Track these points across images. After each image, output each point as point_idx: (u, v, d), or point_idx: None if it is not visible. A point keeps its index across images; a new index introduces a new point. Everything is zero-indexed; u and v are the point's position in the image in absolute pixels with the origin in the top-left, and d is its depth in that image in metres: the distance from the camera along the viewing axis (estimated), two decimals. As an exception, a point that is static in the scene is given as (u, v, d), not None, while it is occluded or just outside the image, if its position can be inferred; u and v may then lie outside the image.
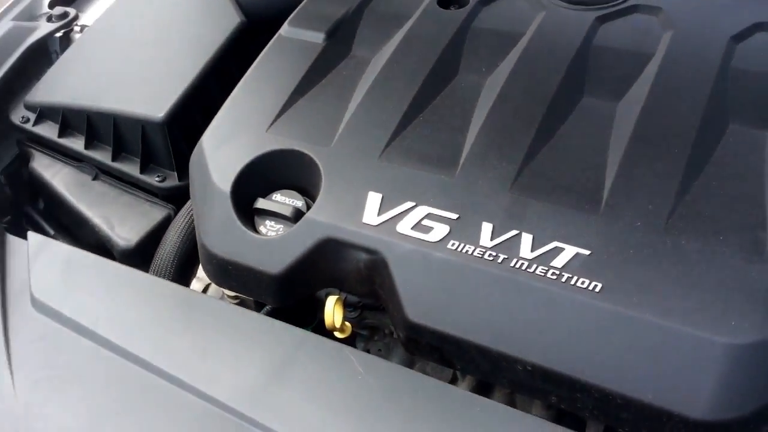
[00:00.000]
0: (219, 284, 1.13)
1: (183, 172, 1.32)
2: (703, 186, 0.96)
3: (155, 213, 1.33)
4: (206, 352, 0.94)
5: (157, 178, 1.34)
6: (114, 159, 1.36)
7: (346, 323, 1.08)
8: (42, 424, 0.89)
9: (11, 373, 0.95)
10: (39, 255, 1.09)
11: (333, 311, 1.04)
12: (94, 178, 1.39)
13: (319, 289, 1.09)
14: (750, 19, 1.16)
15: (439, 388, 0.90)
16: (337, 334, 1.07)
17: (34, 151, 1.44)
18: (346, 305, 1.10)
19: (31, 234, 1.13)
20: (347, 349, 0.94)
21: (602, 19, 1.21)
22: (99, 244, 1.34)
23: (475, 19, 1.25)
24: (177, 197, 1.34)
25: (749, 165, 0.97)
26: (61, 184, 1.39)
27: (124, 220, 1.33)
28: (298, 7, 1.36)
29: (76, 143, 1.38)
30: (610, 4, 1.23)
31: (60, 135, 1.40)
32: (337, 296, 1.06)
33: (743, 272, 0.88)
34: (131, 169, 1.35)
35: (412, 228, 1.00)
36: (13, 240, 1.14)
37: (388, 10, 1.33)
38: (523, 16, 1.24)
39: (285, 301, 1.08)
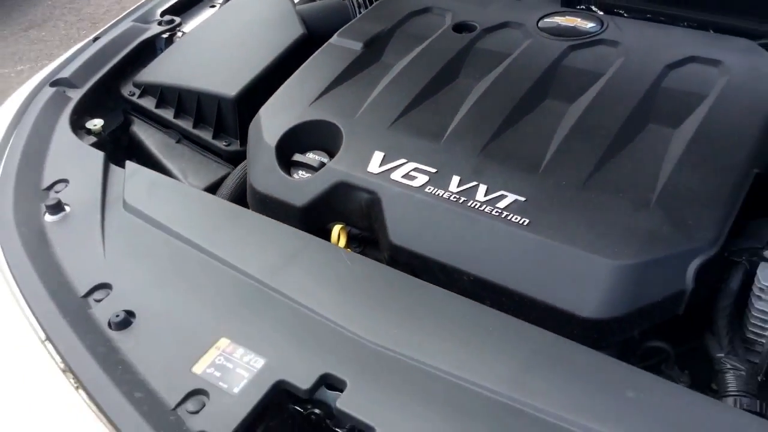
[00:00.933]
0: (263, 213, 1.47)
1: (245, 140, 1.68)
2: (618, 162, 1.27)
3: (219, 170, 1.69)
4: (243, 241, 1.29)
5: (224, 144, 1.71)
6: (194, 127, 1.74)
7: (348, 249, 1.40)
8: (121, 276, 1.25)
9: (103, 245, 1.31)
10: (133, 175, 1.46)
11: (338, 234, 1.38)
12: (178, 141, 1.77)
13: (331, 222, 1.42)
14: (687, 53, 1.48)
15: (407, 278, 1.21)
16: (342, 257, 1.40)
17: (135, 118, 1.84)
18: (351, 237, 1.43)
19: (128, 162, 1.51)
20: (341, 249, 1.28)
21: (573, 48, 1.54)
22: (175, 191, 1.71)
23: (478, 41, 1.61)
24: (238, 159, 1.70)
25: (656, 151, 1.28)
26: (153, 144, 1.78)
27: (196, 172, 1.69)
28: (347, 24, 1.74)
29: (167, 113, 1.77)
30: (582, 37, 1.57)
31: (156, 106, 1.79)
32: (342, 225, 1.39)
33: (631, 218, 1.18)
34: (206, 135, 1.73)
35: (402, 177, 1.33)
36: (113, 168, 1.52)
37: (414, 32, 1.69)
38: (514, 42, 1.59)
39: (305, 229, 1.42)
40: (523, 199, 1.24)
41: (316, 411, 1.04)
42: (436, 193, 1.29)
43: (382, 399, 1.02)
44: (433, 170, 1.32)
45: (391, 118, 1.45)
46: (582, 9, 1.74)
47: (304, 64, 1.65)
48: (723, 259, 1.17)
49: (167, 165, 1.72)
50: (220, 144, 1.71)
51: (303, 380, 1.05)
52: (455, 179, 1.30)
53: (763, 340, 1.16)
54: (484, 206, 1.25)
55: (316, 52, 1.68)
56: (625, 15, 1.72)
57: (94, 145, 1.66)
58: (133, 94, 1.83)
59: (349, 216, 1.39)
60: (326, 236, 1.41)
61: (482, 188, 1.27)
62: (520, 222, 1.21)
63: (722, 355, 1.14)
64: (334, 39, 1.70)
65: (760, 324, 1.16)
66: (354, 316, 1.14)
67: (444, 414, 0.99)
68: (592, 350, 1.05)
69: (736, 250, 1.17)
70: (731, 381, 1.10)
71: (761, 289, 1.13)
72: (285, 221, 1.42)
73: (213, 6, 2.16)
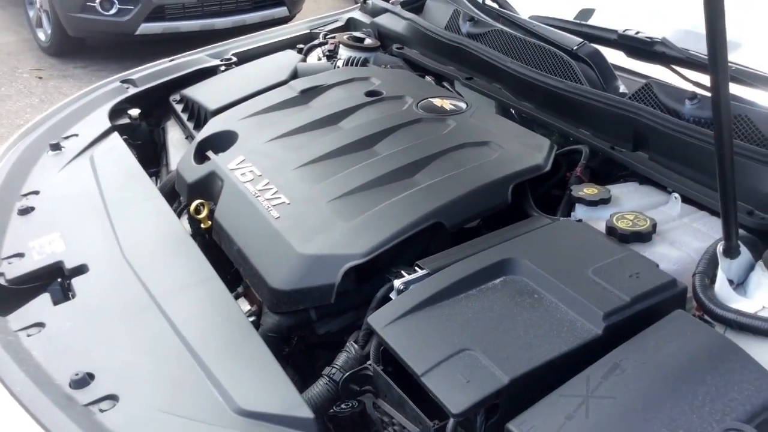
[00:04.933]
0: (176, 188, 1.97)
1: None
2: (360, 196, 1.58)
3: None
4: (119, 187, 1.81)
5: (207, 144, 2.25)
6: (195, 128, 2.30)
7: (208, 220, 1.84)
8: (50, 187, 1.83)
9: (60, 172, 1.91)
10: (109, 140, 2.06)
11: (198, 205, 1.82)
12: (186, 138, 2.35)
13: (208, 200, 1.86)
14: (489, 138, 1.73)
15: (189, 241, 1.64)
16: (202, 225, 1.84)
17: (172, 117, 2.46)
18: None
19: (115, 133, 2.11)
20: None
21: (424, 119, 1.86)
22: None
23: (369, 104, 1.97)
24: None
25: (392, 193, 1.56)
26: (171, 135, 2.37)
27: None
28: (307, 76, 2.22)
29: (185, 116, 2.36)
30: (438, 114, 1.88)
31: (182, 111, 2.39)
32: (202, 201, 1.83)
33: (330, 227, 1.49)
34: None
35: (240, 174, 1.75)
36: (112, 135, 2.13)
37: (342, 91, 2.10)
38: (392, 109, 1.94)
39: (190, 200, 1.88)
40: (288, 201, 1.61)
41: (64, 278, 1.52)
42: (248, 188, 1.69)
43: (104, 287, 1.47)
44: (259, 173, 1.73)
45: (270, 137, 1.88)
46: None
47: (259, 96, 2.14)
48: (377, 272, 1.45)
49: (170, 151, 2.30)
50: (205, 144, 2.25)
51: (71, 262, 1.53)
52: (264, 181, 1.70)
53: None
54: (265, 202, 1.63)
55: (275, 89, 2.17)
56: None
57: (126, 126, 2.30)
58: (174, 100, 2.44)
59: (215, 197, 1.84)
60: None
61: (273, 189, 1.66)
62: (275, 215, 1.58)
63: (352, 341, 1.40)
64: (290, 83, 2.18)
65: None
66: (133, 247, 1.60)
67: (124, 315, 1.41)
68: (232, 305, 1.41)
69: (391, 271, 1.43)
70: (340, 358, 1.37)
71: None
72: (182, 193, 1.91)
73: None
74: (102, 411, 1.15)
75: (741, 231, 1.35)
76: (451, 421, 1.10)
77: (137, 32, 6.11)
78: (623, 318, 1.19)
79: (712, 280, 1.30)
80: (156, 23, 6.17)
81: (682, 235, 1.46)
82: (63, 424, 1.10)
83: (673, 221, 1.50)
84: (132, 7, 5.96)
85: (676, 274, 1.30)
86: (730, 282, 1.30)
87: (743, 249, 1.31)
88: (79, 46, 6.50)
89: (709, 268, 1.31)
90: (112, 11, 5.96)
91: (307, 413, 1.13)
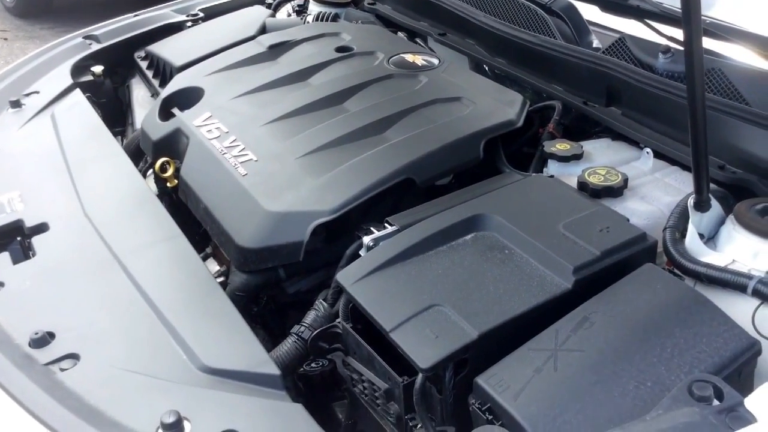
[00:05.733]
0: (141, 147, 1.92)
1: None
2: (333, 150, 1.55)
3: (162, 119, 2.18)
4: (81, 145, 1.76)
5: (174, 100, 2.19)
6: (160, 85, 2.24)
7: (174, 179, 1.80)
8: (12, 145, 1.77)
9: (20, 130, 1.85)
10: (71, 97, 2.00)
11: (163, 163, 1.77)
12: (152, 95, 2.29)
13: (174, 158, 1.82)
14: (460, 94, 1.71)
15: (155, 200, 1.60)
16: (168, 184, 1.79)
17: (137, 74, 2.39)
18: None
19: (77, 89, 2.04)
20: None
21: (396, 75, 1.82)
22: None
23: (339, 60, 1.93)
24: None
25: (362, 150, 1.53)
26: (136, 93, 2.31)
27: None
28: (276, 31, 2.16)
29: (150, 73, 2.30)
30: (409, 70, 1.85)
31: (147, 67, 2.32)
32: (168, 159, 1.78)
33: (299, 183, 1.46)
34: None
35: (206, 130, 1.71)
36: (75, 91, 2.06)
37: (312, 46, 2.05)
38: (363, 64, 1.90)
39: (155, 158, 1.83)
40: (255, 158, 1.57)
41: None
42: (214, 145, 1.65)
43: (65, 245, 1.43)
44: (226, 130, 1.69)
45: (237, 93, 1.83)
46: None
47: (227, 51, 2.09)
48: (346, 230, 1.42)
49: (135, 109, 2.24)
50: (172, 100, 2.19)
51: (31, 221, 1.48)
52: (231, 138, 1.65)
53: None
54: (232, 159, 1.59)
55: (243, 45, 2.11)
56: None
57: (89, 83, 2.23)
58: (139, 57, 2.37)
59: (180, 155, 1.79)
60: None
61: (240, 146, 1.62)
62: (241, 172, 1.54)
63: (321, 299, 1.38)
64: (258, 39, 2.12)
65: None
66: (95, 205, 1.55)
67: (86, 274, 1.37)
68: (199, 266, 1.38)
69: (361, 228, 1.41)
70: (309, 316, 1.35)
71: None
72: (146, 150, 1.86)
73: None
74: (62, 370, 1.12)
75: (712, 185, 1.34)
76: (420, 376, 1.09)
77: (104, -9, 5.94)
78: (593, 272, 1.18)
79: (683, 234, 1.29)
80: (124, -18, 6.01)
81: (653, 190, 1.45)
82: (22, 384, 1.07)
83: (644, 176, 1.49)
84: (98, -35, 5.80)
85: (647, 229, 1.29)
86: (701, 236, 1.29)
87: (714, 203, 1.30)
88: (45, 7, 6.33)
89: (679, 223, 1.30)
90: (78, -31, 5.80)
91: (273, 370, 1.11)
